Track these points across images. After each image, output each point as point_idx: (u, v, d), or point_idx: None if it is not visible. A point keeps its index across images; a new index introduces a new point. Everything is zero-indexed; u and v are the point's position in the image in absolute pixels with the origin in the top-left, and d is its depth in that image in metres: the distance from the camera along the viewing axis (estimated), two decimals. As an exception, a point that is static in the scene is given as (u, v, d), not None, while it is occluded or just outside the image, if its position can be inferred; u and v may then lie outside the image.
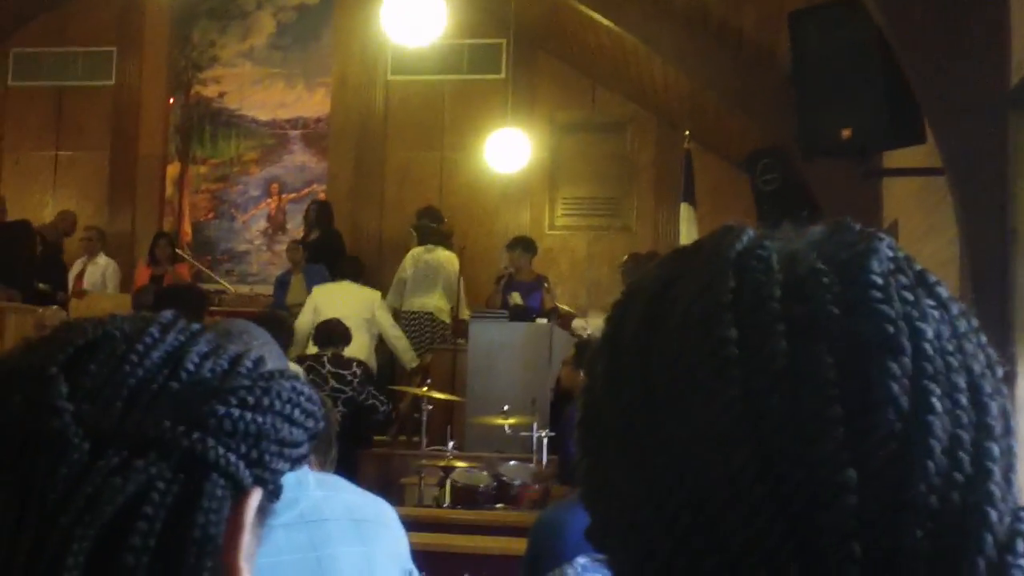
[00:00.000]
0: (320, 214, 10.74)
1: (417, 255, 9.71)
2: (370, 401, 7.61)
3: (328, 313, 8.19)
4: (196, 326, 0.80)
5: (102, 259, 10.66)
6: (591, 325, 8.73)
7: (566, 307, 10.13)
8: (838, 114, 5.34)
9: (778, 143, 7.23)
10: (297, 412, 0.78)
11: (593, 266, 11.09)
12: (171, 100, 12.23)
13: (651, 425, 0.64)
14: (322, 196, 11.60)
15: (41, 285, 9.94)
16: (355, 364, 7.69)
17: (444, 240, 10.00)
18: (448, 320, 9.73)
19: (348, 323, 7.91)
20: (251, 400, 0.75)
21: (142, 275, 10.31)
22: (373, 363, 8.82)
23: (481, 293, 10.26)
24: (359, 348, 8.31)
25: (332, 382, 7.36)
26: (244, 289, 11.27)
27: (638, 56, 9.56)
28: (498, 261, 10.21)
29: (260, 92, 12.17)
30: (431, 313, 9.62)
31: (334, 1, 11.91)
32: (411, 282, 9.65)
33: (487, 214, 11.24)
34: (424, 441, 7.73)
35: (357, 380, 7.52)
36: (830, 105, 5.40)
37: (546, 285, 9.47)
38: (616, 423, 0.67)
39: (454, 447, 7.19)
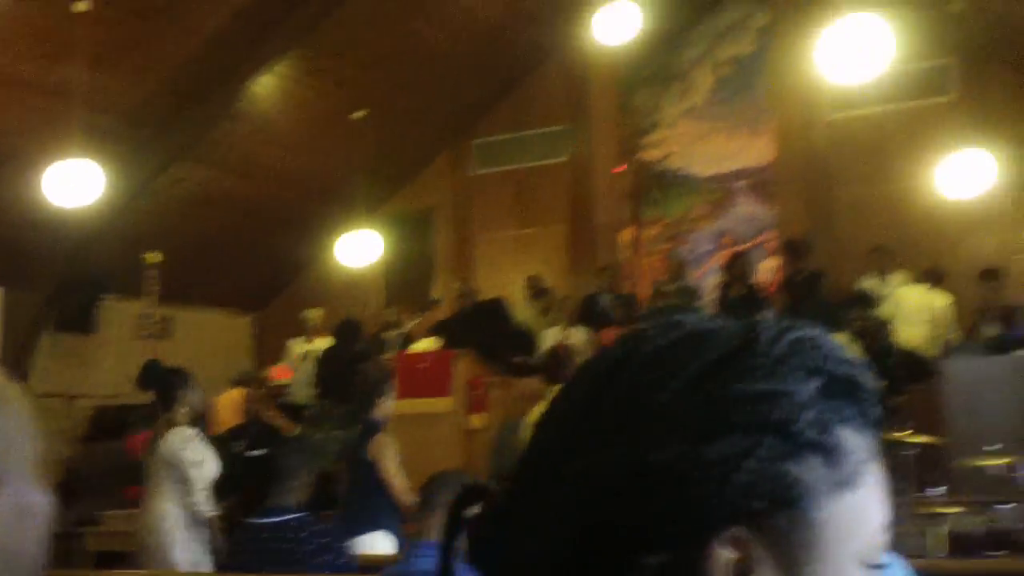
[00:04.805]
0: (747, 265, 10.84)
1: None
2: None
3: None
4: None
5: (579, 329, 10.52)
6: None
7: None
8: None
9: None
10: None
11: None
12: (620, 167, 12.75)
13: None
14: (772, 244, 11.61)
15: (516, 359, 10.46)
16: None
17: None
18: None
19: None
20: None
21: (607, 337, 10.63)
22: None
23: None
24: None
25: None
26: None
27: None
28: (964, 291, 9.73)
29: (703, 148, 12.39)
30: None
31: (768, 47, 11.96)
32: None
33: (948, 244, 10.67)
34: (910, 488, 7.45)
35: None
36: None
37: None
38: None
39: (942, 492, 6.90)
